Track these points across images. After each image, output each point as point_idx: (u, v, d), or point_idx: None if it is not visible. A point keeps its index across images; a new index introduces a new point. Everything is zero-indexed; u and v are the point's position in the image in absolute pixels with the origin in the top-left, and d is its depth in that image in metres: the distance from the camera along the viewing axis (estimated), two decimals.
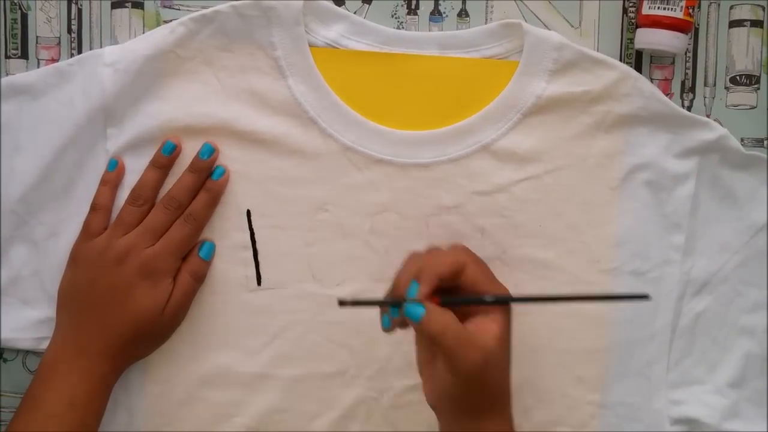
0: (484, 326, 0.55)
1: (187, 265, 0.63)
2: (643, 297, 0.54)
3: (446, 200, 0.65)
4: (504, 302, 0.57)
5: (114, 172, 0.64)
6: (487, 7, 0.66)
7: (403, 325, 0.57)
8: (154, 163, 0.63)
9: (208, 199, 0.63)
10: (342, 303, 0.56)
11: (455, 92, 0.65)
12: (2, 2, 0.67)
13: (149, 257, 0.61)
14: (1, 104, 0.65)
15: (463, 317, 0.56)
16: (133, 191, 0.63)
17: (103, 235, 0.62)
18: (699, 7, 0.66)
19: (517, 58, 0.65)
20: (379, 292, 0.64)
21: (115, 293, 0.61)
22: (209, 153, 0.63)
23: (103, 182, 0.64)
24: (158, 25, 0.66)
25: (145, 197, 0.63)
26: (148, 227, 0.62)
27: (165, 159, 0.63)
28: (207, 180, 0.64)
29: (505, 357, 0.57)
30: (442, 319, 0.54)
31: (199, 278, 0.64)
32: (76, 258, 0.63)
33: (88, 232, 0.63)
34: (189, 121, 0.64)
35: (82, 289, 0.62)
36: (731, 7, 0.66)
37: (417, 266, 0.56)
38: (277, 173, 0.65)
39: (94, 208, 0.63)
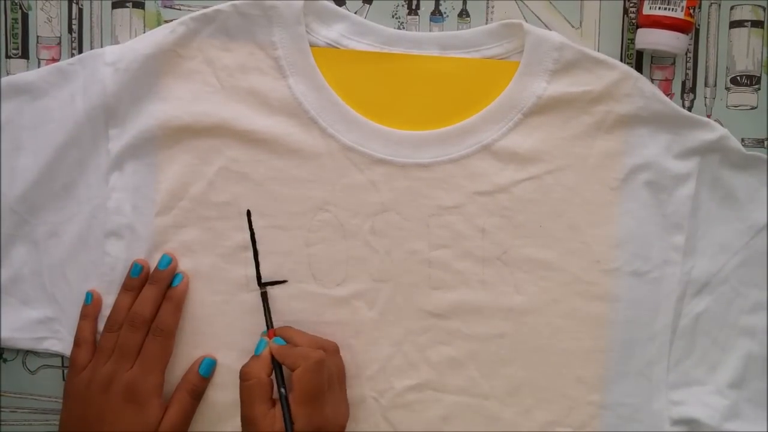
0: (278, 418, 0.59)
1: (185, 383, 0.64)
2: None
3: (447, 200, 0.65)
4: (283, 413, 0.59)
5: (91, 305, 0.64)
6: (487, 7, 0.66)
7: None
8: (126, 287, 0.64)
9: (171, 308, 0.64)
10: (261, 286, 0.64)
11: (456, 92, 0.65)
12: (3, 2, 0.67)
13: (130, 381, 0.62)
14: (1, 104, 0.64)
15: None
16: (109, 318, 0.64)
17: (88, 367, 0.63)
18: (700, 7, 0.66)
19: (518, 58, 0.65)
20: (380, 292, 0.65)
21: (104, 423, 0.61)
22: (167, 263, 0.64)
23: (83, 316, 0.64)
24: (159, 24, 0.66)
25: (120, 322, 0.63)
26: (122, 351, 0.62)
27: (135, 281, 0.64)
28: (168, 289, 0.64)
29: None
30: (257, 368, 0.61)
31: (198, 396, 0.64)
32: (67, 393, 0.63)
33: (75, 367, 0.63)
34: (190, 121, 0.64)
35: (76, 422, 0.62)
36: (732, 8, 0.67)
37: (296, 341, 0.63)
38: (277, 173, 0.65)
39: (77, 343, 0.64)
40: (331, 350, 0.63)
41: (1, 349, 0.68)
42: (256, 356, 0.62)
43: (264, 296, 0.64)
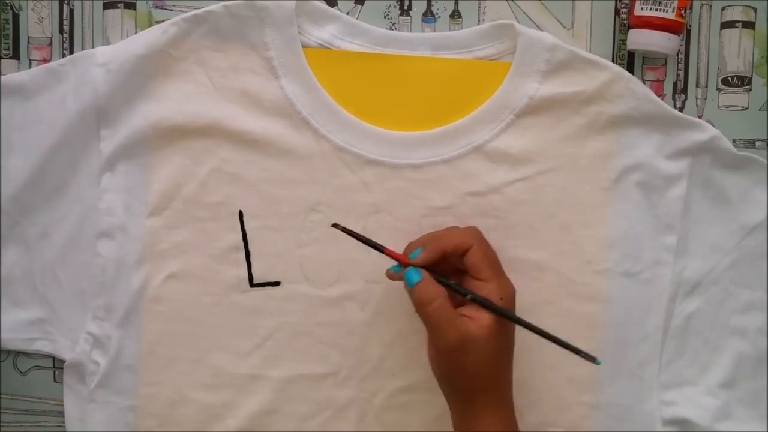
0: (475, 314, 0.57)
1: None
2: (593, 359, 0.56)
3: (439, 201, 0.65)
4: (479, 303, 0.57)
5: None
6: (479, 8, 0.66)
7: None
8: None
9: None
10: (336, 225, 0.60)
11: (448, 93, 0.65)
12: None
13: None
14: None
15: (463, 300, 0.58)
16: None
17: None
18: (691, 8, 0.66)
19: (510, 59, 0.65)
20: (372, 292, 0.65)
21: None
22: None
23: None
24: (150, 25, 0.66)
25: None
26: None
27: None
28: None
29: (493, 348, 0.57)
30: (432, 291, 0.57)
31: None
32: None
33: None
34: (182, 121, 0.64)
35: None
36: (723, 9, 0.67)
37: (428, 238, 0.60)
38: (269, 174, 0.65)
39: None
40: (472, 230, 0.61)
41: None
42: (420, 282, 0.57)
43: (346, 230, 0.61)
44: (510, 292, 0.59)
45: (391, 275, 0.60)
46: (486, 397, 0.57)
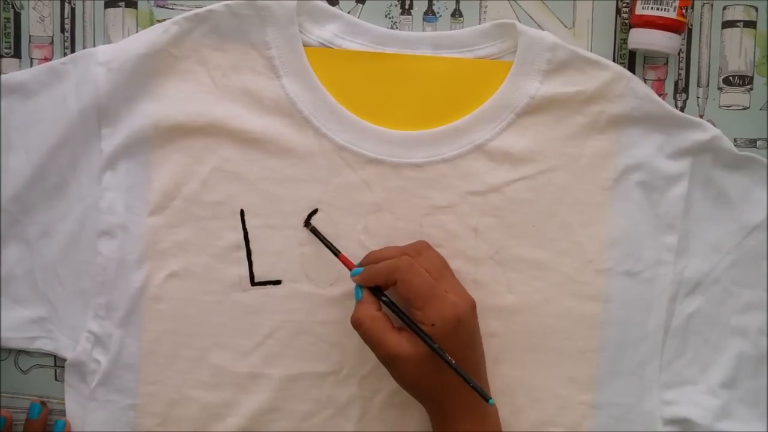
0: (407, 336, 0.59)
1: None
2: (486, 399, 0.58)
3: (440, 200, 0.65)
4: (410, 328, 0.59)
5: (38, 419, 0.66)
6: (480, 7, 0.66)
7: None
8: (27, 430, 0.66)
9: None
10: (307, 224, 0.64)
11: (449, 92, 0.65)
12: None
13: None
14: None
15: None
16: None
17: None
18: (692, 7, 0.66)
19: (511, 58, 0.65)
20: None
21: None
22: (38, 411, 0.66)
23: None
24: (152, 24, 0.66)
25: None
26: None
27: (36, 422, 0.66)
28: None
29: (424, 364, 0.58)
30: (364, 312, 0.60)
31: None
32: None
33: None
34: (183, 120, 0.64)
35: None
36: (724, 8, 0.67)
37: (370, 258, 0.62)
38: (270, 173, 0.65)
39: None
40: (420, 249, 0.62)
41: None
42: (358, 301, 0.61)
43: (314, 230, 0.64)
44: (445, 316, 0.58)
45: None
46: (434, 408, 0.61)
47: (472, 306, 0.60)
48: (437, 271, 0.60)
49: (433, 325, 0.58)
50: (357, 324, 0.60)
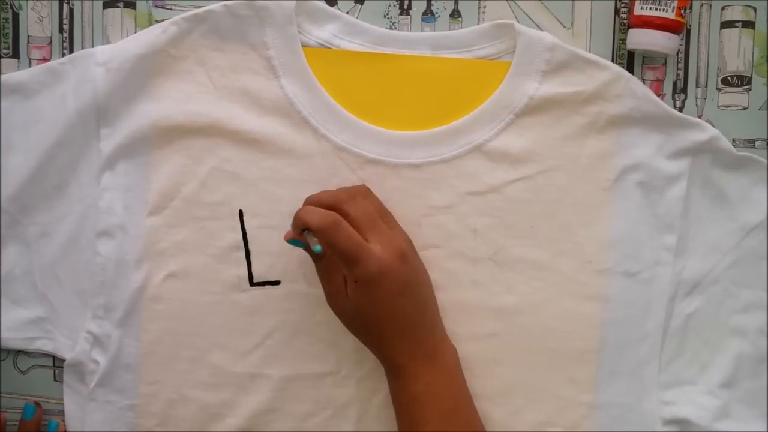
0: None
1: None
2: None
3: (439, 200, 0.65)
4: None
5: (31, 421, 0.66)
6: (479, 7, 0.66)
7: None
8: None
9: None
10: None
11: (448, 93, 0.65)
12: None
13: None
14: None
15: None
16: None
17: None
18: (690, 7, 0.66)
19: (510, 58, 0.65)
20: None
21: None
22: (32, 412, 0.67)
23: None
24: (150, 24, 0.66)
25: None
26: None
27: (30, 423, 0.66)
28: None
29: (357, 322, 0.60)
30: (331, 216, 0.57)
31: None
32: None
33: None
34: (182, 121, 0.64)
35: None
36: (723, 8, 0.67)
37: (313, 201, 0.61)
38: (269, 173, 0.65)
39: None
40: (354, 194, 0.61)
41: None
42: (312, 213, 0.58)
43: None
44: (368, 271, 0.57)
45: (288, 236, 0.60)
46: (381, 355, 0.61)
47: (401, 253, 0.59)
48: (368, 221, 0.59)
49: (356, 281, 0.58)
50: (332, 226, 0.57)
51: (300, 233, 0.59)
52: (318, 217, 0.57)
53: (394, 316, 0.59)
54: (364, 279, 0.57)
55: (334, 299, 0.60)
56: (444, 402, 0.60)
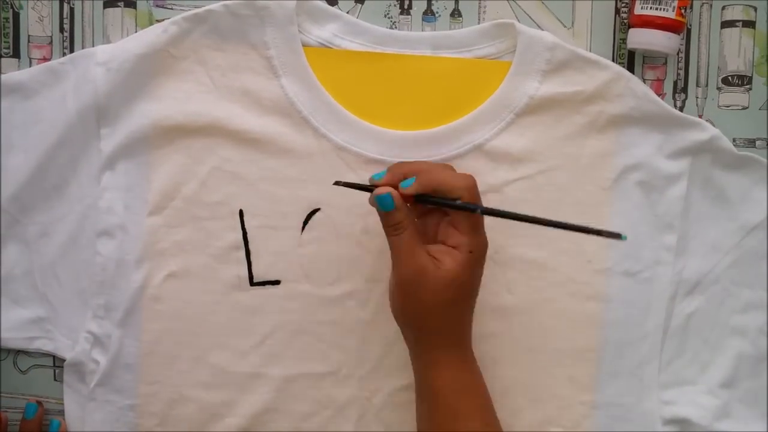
0: (440, 256, 0.57)
1: None
2: (618, 236, 0.53)
3: None
4: (472, 210, 0.57)
5: (33, 419, 0.67)
6: (479, 7, 0.66)
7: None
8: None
9: None
10: (337, 182, 0.60)
11: (448, 92, 0.65)
12: None
13: None
14: None
15: (431, 241, 0.58)
16: None
17: None
18: (691, 7, 0.66)
19: (510, 58, 0.65)
20: (373, 291, 0.65)
21: None
22: (34, 411, 0.66)
23: None
24: (151, 24, 0.66)
25: None
26: None
27: (32, 422, 0.66)
28: None
29: (450, 291, 0.57)
30: (404, 220, 0.57)
31: None
32: None
33: None
34: (182, 120, 0.64)
35: None
36: (723, 8, 0.67)
37: (420, 168, 0.58)
38: (269, 173, 0.65)
39: None
40: (467, 179, 0.59)
41: None
42: (392, 211, 0.57)
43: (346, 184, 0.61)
44: (481, 249, 0.58)
45: (373, 201, 0.58)
46: (443, 339, 0.58)
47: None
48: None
49: (471, 252, 0.57)
50: (394, 231, 0.57)
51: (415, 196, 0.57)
52: (463, 178, 0.58)
53: (475, 297, 0.59)
54: (481, 251, 0.57)
55: (420, 275, 0.56)
56: (485, 397, 0.59)
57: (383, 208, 0.57)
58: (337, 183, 0.60)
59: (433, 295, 0.56)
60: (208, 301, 0.65)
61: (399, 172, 0.59)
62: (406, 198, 0.57)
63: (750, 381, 0.66)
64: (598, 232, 0.54)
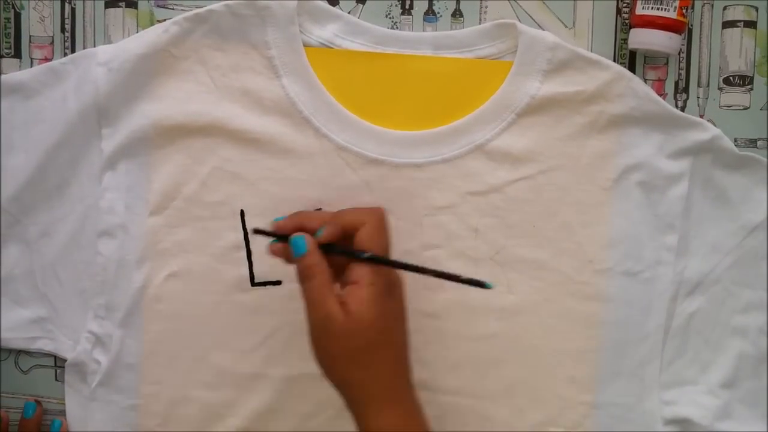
0: (347, 299, 0.54)
1: None
2: (482, 284, 0.53)
3: (440, 200, 0.65)
4: (375, 261, 0.55)
5: (32, 419, 0.67)
6: (481, 7, 0.66)
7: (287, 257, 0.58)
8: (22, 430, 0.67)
9: None
10: (256, 230, 0.60)
11: (449, 92, 0.65)
12: None
13: None
14: None
15: (343, 284, 0.56)
16: None
17: None
18: (692, 7, 0.66)
19: (511, 58, 0.65)
20: None
21: None
22: (33, 410, 0.67)
23: None
24: (152, 24, 0.66)
25: None
26: None
27: (31, 422, 0.66)
28: None
29: (364, 341, 0.54)
30: (315, 266, 0.55)
31: None
32: None
33: None
34: (183, 120, 0.64)
35: None
36: (724, 8, 0.67)
37: (331, 215, 0.58)
38: (270, 173, 0.65)
39: None
40: (374, 211, 0.59)
41: None
42: (303, 255, 0.55)
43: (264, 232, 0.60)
44: (382, 280, 0.55)
45: (274, 250, 0.58)
46: (370, 394, 0.55)
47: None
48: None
49: (372, 284, 0.55)
50: (307, 276, 0.55)
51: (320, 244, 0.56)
52: (370, 210, 0.58)
53: (402, 339, 0.57)
54: (383, 282, 0.55)
55: (327, 322, 0.54)
56: None
57: (296, 252, 0.56)
58: (256, 231, 0.59)
59: (343, 343, 0.54)
60: (210, 302, 0.65)
61: (313, 221, 0.58)
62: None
63: (751, 381, 0.67)
64: (468, 281, 0.54)
